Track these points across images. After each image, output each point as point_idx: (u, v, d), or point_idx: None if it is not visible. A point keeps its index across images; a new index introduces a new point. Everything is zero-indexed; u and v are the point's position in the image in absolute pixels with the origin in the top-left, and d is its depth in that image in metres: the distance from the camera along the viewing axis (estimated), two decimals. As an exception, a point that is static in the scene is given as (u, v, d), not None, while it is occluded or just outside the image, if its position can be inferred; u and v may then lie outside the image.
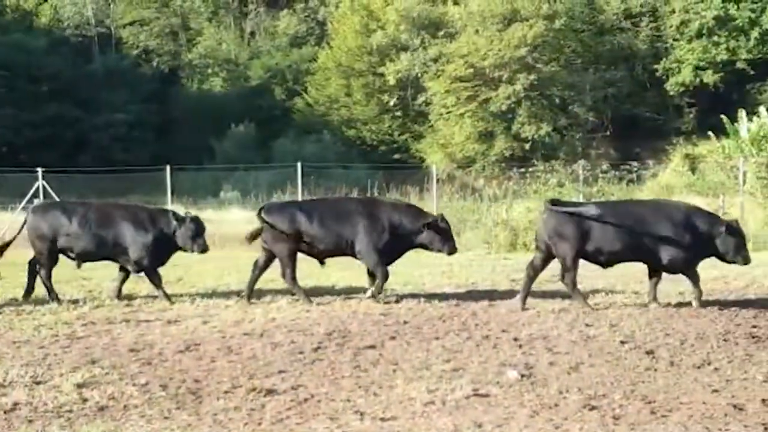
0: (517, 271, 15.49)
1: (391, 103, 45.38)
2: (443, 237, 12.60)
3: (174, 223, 12.61)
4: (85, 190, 27.85)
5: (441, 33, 44.60)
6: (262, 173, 35.50)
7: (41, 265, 12.60)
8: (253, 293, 12.50)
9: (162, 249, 12.63)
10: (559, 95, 42.77)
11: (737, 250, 11.65)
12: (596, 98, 43.75)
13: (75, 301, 12.37)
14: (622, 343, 9.51)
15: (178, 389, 7.69)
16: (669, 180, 30.29)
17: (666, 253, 11.52)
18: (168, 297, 12.48)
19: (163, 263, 12.83)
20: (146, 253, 12.46)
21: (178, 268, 15.26)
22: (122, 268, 12.90)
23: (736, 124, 31.45)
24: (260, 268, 12.61)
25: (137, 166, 32.49)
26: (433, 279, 15.14)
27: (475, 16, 42.32)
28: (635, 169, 28.45)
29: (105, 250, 12.58)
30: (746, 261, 11.82)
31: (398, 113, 45.88)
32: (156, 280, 12.62)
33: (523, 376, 8.10)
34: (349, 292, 13.10)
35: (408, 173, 33.36)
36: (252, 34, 57.79)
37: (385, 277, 12.46)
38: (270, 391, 7.60)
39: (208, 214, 23.29)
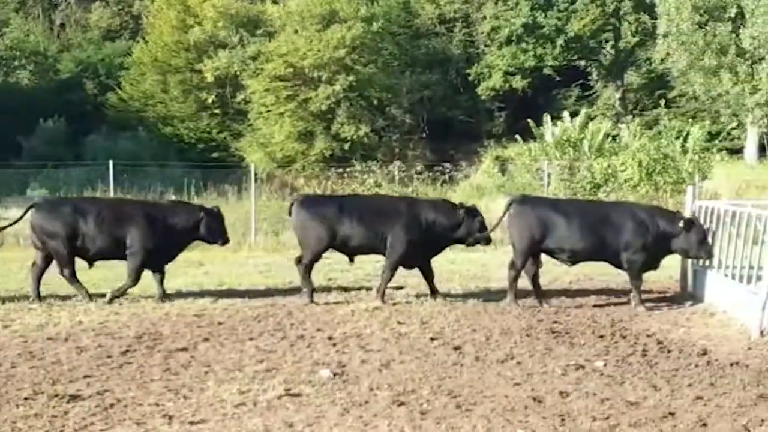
0: (335, 271, 15.63)
1: (210, 101, 44.63)
2: (481, 228, 12.59)
3: (200, 214, 12.60)
4: None
5: (260, 31, 44.26)
6: (72, 171, 34.15)
7: (61, 265, 12.15)
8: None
9: (177, 242, 12.67)
10: (377, 97, 43.34)
11: (699, 246, 12.13)
12: (412, 101, 44.64)
13: None
14: (432, 339, 9.79)
15: (-25, 398, 7.33)
16: (480, 181, 31.29)
17: (626, 253, 12.00)
18: (165, 294, 12.34)
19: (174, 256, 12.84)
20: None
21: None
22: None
23: (541, 128, 32.88)
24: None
25: (-66, 163, 30.54)
26: (250, 278, 15.04)
27: (294, 16, 42.30)
28: (448, 170, 29.29)
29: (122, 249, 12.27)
30: (710, 255, 12.27)
31: (217, 111, 45.17)
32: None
33: (335, 374, 8.20)
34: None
35: (227, 172, 32.97)
36: (62, 26, 55.46)
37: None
38: (74, 397, 7.37)
39: (14, 213, 22.18)
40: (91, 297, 12.10)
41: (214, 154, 41.45)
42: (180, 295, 12.85)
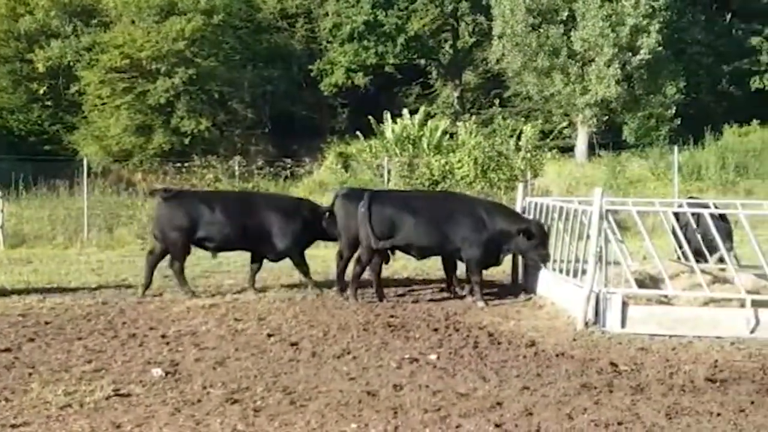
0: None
1: (41, 92, 42.98)
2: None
3: (326, 213, 12.81)
4: None
5: (95, 21, 42.96)
6: None
7: (175, 258, 12.37)
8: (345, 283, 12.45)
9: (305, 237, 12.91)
10: (218, 91, 42.72)
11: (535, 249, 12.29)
12: (255, 95, 44.27)
13: None
14: (269, 336, 9.74)
15: None
16: (323, 177, 31.32)
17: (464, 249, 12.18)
18: (317, 286, 12.72)
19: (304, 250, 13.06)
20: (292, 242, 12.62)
21: None
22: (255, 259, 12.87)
23: (382, 125, 33.24)
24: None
25: None
26: (81, 276, 14.55)
27: (131, 6, 41.17)
28: (290, 165, 29.22)
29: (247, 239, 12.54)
30: (545, 260, 12.36)
31: (49, 103, 43.53)
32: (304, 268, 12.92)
33: (167, 373, 8.04)
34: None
35: (60, 166, 31.80)
36: None
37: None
38: None
39: None
40: (194, 293, 12.21)
41: (46, 147, 39.91)
42: (5, 293, 12.31)
